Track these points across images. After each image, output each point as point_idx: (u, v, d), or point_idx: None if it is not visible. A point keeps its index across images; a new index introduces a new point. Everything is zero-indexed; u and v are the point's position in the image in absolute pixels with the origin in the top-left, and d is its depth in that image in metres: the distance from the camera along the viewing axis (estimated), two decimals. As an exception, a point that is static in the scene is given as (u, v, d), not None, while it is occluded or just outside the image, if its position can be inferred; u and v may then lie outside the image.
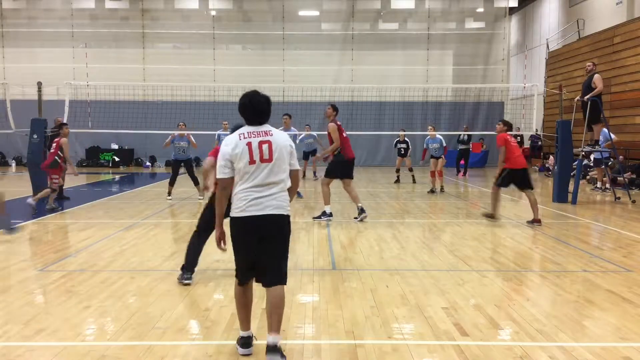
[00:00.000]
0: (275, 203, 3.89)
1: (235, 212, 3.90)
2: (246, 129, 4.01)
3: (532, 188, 9.56)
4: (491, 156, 25.90)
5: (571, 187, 12.42)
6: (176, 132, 12.81)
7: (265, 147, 3.90)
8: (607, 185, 14.14)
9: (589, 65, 12.69)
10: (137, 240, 8.17)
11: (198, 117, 19.39)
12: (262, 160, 3.88)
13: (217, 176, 3.97)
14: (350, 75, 25.98)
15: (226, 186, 3.93)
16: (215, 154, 4.85)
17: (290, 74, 25.42)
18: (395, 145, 17.75)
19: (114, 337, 4.34)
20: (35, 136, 12.24)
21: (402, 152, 17.48)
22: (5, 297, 5.36)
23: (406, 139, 17.48)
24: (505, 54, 26.86)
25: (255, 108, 4.04)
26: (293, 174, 4.05)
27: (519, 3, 26.80)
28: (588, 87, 12.47)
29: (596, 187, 14.81)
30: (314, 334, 4.43)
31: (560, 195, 12.29)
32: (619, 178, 14.46)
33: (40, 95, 13.01)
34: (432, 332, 4.45)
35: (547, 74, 23.69)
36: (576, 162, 13.15)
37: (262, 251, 3.90)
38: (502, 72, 26.64)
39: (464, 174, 20.01)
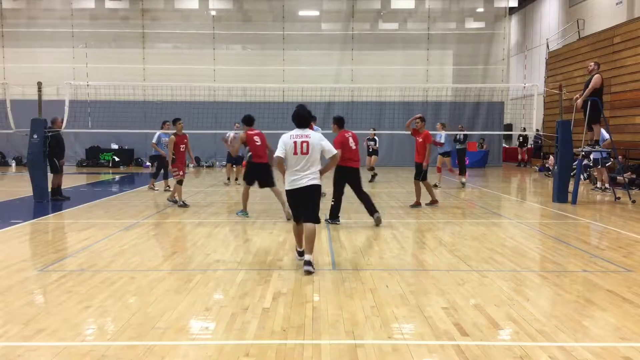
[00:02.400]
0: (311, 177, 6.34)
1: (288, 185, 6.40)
2: (295, 131, 6.39)
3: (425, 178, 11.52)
4: (491, 156, 25.95)
5: (571, 187, 12.42)
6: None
7: (305, 145, 6.29)
8: (607, 185, 14.14)
9: (591, 65, 12.68)
10: (137, 240, 8.17)
11: (198, 117, 19.41)
12: (302, 152, 6.27)
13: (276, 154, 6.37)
14: (350, 75, 25.99)
15: (280, 162, 6.35)
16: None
17: (290, 74, 25.44)
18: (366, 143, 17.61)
19: (114, 337, 4.34)
20: (35, 136, 12.24)
21: (370, 151, 17.46)
22: (5, 297, 5.36)
23: (375, 137, 17.57)
24: (505, 54, 26.86)
25: (300, 117, 6.47)
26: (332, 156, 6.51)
27: (519, 3, 26.83)
28: (588, 86, 12.46)
29: (596, 187, 14.82)
30: (314, 334, 4.43)
31: (560, 195, 12.29)
32: (618, 178, 14.47)
33: (40, 95, 13.01)
34: (432, 332, 4.45)
35: (547, 74, 23.71)
36: (576, 162, 13.15)
37: (304, 204, 6.37)
38: (502, 72, 26.64)
39: (462, 173, 20.00)
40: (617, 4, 19.43)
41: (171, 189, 13.39)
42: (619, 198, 12.71)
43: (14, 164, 24.56)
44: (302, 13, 26.44)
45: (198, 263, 6.78)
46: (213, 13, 26.20)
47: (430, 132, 12.09)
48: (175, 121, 11.76)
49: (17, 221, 9.71)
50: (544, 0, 25.40)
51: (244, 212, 10.28)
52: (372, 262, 6.84)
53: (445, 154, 16.01)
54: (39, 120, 12.47)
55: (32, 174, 12.35)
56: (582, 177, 15.39)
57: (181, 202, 11.47)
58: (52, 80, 17.97)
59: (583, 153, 13.36)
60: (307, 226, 6.30)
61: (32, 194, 12.38)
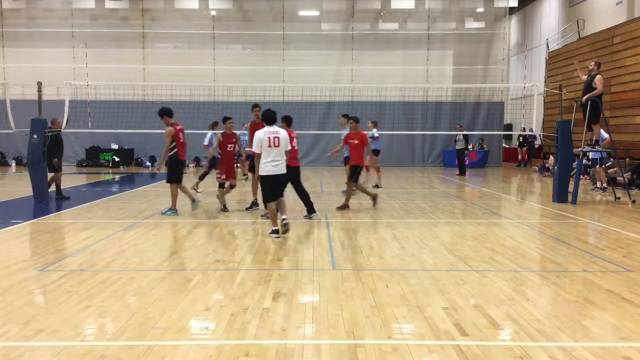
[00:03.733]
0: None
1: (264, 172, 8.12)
2: (267, 129, 8.17)
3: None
4: (491, 156, 25.95)
5: (571, 187, 12.42)
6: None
7: (276, 139, 8.09)
8: (605, 185, 14.14)
9: (591, 65, 12.69)
10: (137, 240, 8.17)
11: (198, 117, 19.39)
12: (274, 145, 8.07)
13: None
14: (350, 75, 25.99)
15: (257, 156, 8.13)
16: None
17: (290, 74, 25.43)
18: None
19: (114, 337, 4.34)
20: (35, 136, 12.24)
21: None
22: (5, 297, 5.36)
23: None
24: (505, 54, 26.86)
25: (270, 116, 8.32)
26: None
27: (519, 3, 26.81)
28: (589, 86, 12.46)
29: (596, 187, 14.82)
30: (314, 334, 4.43)
31: (560, 195, 12.29)
32: (618, 178, 14.47)
33: (40, 95, 13.01)
34: (432, 332, 4.45)
35: (547, 74, 23.71)
36: (576, 162, 13.15)
37: (281, 186, 8.38)
38: (502, 72, 26.64)
39: (462, 173, 20.06)
40: (617, 4, 19.43)
41: (199, 191, 13.34)
42: (619, 198, 12.71)
43: (14, 164, 24.56)
44: (302, 13, 26.44)
45: (198, 263, 6.78)
46: (213, 13, 26.19)
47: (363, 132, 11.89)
48: (224, 120, 11.05)
49: (17, 221, 9.71)
50: (544, 0, 25.39)
51: (174, 210, 10.36)
52: (372, 262, 6.84)
53: (375, 153, 14.62)
54: (39, 120, 12.47)
55: (32, 174, 12.34)
56: (584, 176, 15.42)
57: (222, 206, 10.87)
58: (52, 80, 17.97)
59: (583, 153, 13.36)
60: (282, 199, 8.47)
61: (32, 194, 12.38)
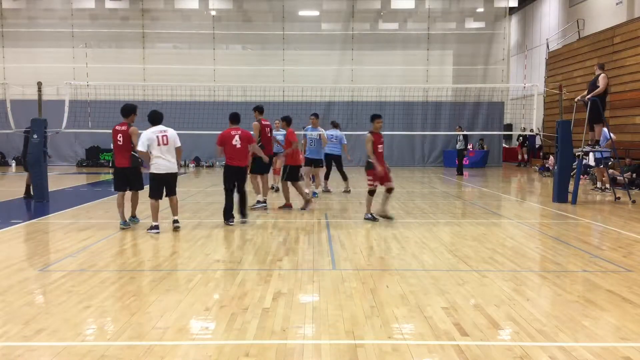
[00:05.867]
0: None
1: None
2: (155, 128, 8.62)
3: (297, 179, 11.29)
4: (491, 156, 25.95)
5: (571, 187, 12.42)
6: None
7: (164, 138, 8.55)
8: (607, 185, 14.13)
9: (595, 67, 12.79)
10: (137, 240, 8.17)
11: (198, 117, 19.40)
12: (163, 144, 8.55)
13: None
14: (350, 75, 25.98)
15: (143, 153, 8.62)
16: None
17: (290, 74, 25.41)
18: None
19: (114, 337, 4.34)
20: (35, 136, 12.24)
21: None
22: (5, 297, 5.36)
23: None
24: (505, 54, 26.85)
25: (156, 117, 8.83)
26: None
27: (519, 3, 26.81)
28: (593, 86, 12.49)
29: (596, 187, 14.81)
30: (314, 334, 4.43)
31: (560, 195, 12.28)
32: (618, 178, 14.47)
33: (40, 95, 13.01)
34: (432, 332, 4.45)
35: (547, 74, 23.71)
36: (576, 162, 13.14)
37: (166, 185, 8.74)
38: (502, 72, 26.63)
39: (459, 173, 20.09)
40: (617, 4, 19.42)
41: (281, 190, 12.37)
42: (619, 198, 12.71)
43: (14, 164, 24.54)
44: (302, 13, 26.43)
45: (198, 263, 6.78)
46: (213, 13, 26.18)
47: (275, 132, 11.91)
48: (373, 118, 9.75)
49: (17, 221, 9.72)
50: (544, 0, 25.39)
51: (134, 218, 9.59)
52: (372, 262, 6.84)
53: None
54: (39, 120, 12.47)
55: (32, 174, 12.35)
56: (584, 176, 15.41)
57: (369, 215, 9.71)
58: (52, 80, 17.94)
59: (581, 153, 13.35)
60: (173, 199, 8.83)
61: (32, 194, 12.38)
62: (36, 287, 5.76)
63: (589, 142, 13.23)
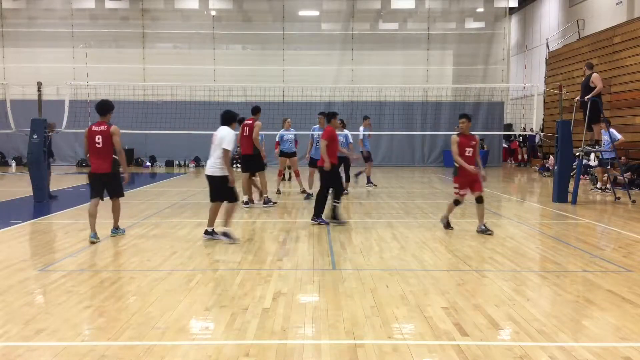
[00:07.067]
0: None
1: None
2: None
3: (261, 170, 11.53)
4: (491, 156, 25.94)
5: (571, 187, 12.42)
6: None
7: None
8: (608, 186, 14.13)
9: (584, 67, 12.88)
10: (137, 240, 8.17)
11: (198, 117, 19.40)
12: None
13: None
14: (350, 75, 25.97)
15: None
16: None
17: (290, 74, 25.41)
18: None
19: (114, 337, 4.34)
20: (35, 136, 12.25)
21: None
22: (5, 297, 5.36)
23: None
24: (505, 54, 26.85)
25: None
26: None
27: (519, 3, 26.81)
28: (586, 87, 12.50)
29: (596, 187, 14.81)
30: (314, 334, 4.43)
31: (560, 195, 12.29)
32: (618, 178, 14.47)
33: (40, 95, 13.02)
34: (432, 332, 4.45)
35: (547, 74, 23.71)
36: (576, 162, 13.14)
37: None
38: (502, 72, 26.62)
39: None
40: (617, 4, 19.42)
41: (307, 191, 12.73)
42: (619, 198, 12.71)
43: (14, 164, 24.55)
44: (302, 13, 26.42)
45: (198, 263, 6.79)
46: (213, 13, 26.18)
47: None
48: (461, 117, 8.66)
49: (17, 221, 9.72)
50: (544, 0, 25.40)
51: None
52: (372, 262, 6.84)
53: (288, 155, 13.55)
54: (39, 120, 12.47)
55: (32, 174, 12.35)
56: (584, 176, 15.40)
57: (445, 221, 9.08)
58: (52, 80, 17.96)
59: (581, 153, 13.35)
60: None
61: (32, 194, 12.38)
62: (36, 287, 5.76)
63: (589, 142, 13.23)
